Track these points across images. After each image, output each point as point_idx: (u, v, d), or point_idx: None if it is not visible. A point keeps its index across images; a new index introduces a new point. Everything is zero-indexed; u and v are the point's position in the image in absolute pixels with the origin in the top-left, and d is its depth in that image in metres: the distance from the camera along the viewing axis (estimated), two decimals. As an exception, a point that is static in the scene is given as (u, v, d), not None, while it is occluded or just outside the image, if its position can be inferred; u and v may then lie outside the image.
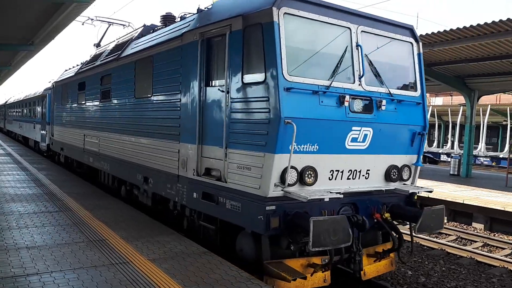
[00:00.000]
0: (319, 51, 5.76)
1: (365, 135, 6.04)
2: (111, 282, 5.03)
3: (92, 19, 16.21)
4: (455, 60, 17.08)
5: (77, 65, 16.11)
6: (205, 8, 7.32)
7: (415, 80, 6.82)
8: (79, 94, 13.58)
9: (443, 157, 38.78)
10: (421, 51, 6.87)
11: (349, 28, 6.01)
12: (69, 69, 17.60)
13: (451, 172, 23.38)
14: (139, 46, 9.22)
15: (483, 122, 35.46)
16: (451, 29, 13.64)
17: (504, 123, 37.90)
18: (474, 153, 29.54)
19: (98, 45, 16.09)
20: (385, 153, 6.39)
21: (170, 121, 7.61)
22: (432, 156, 38.98)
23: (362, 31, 6.14)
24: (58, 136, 16.84)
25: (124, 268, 5.52)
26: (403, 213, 6.49)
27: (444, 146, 41.02)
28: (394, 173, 6.53)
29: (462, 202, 13.07)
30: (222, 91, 6.15)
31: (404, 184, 6.77)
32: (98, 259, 5.84)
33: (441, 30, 13.86)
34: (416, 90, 6.77)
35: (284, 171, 5.38)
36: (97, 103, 11.82)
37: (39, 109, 22.38)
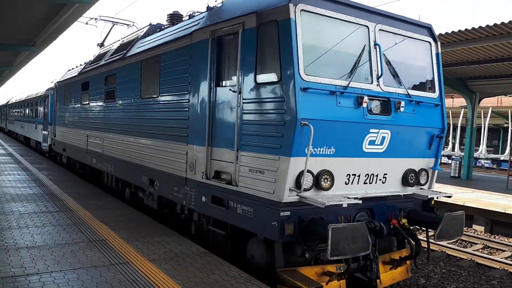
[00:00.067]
0: (336, 49, 5.52)
1: (383, 138, 5.80)
2: (111, 282, 5.02)
3: (95, 19, 16.00)
4: (457, 62, 16.95)
5: (80, 65, 15.89)
6: (214, 6, 7.09)
7: (433, 81, 6.57)
8: (83, 94, 13.35)
9: (444, 159, 38.54)
10: (440, 50, 6.63)
11: (366, 26, 5.78)
12: (72, 69, 17.38)
13: (452, 174, 23.24)
14: (145, 45, 8.99)
15: (484, 124, 35.23)
16: (452, 31, 13.46)
17: (505, 125, 37.69)
18: (475, 155, 29.42)
19: (101, 45, 15.87)
20: (403, 156, 6.15)
21: (178, 122, 7.37)
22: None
23: (380, 29, 5.90)
24: (60, 136, 16.62)
25: (124, 269, 5.52)
26: (421, 219, 6.24)
27: (445, 148, 40.78)
28: (411, 177, 6.28)
29: (462, 204, 12.94)
30: (234, 92, 5.92)
31: (421, 188, 6.52)
32: (98, 259, 5.83)
33: (443, 33, 13.69)
34: (434, 91, 6.53)
35: (300, 175, 5.14)
36: (101, 103, 11.59)
37: (41, 109, 22.17)
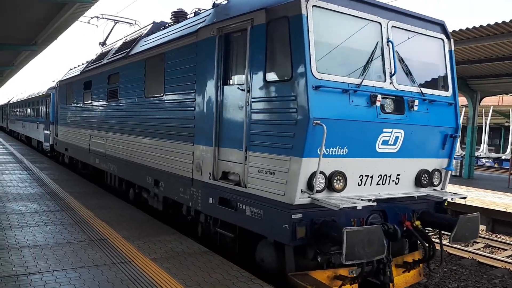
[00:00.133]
0: (348, 46, 5.35)
1: (396, 138, 5.63)
2: (113, 281, 5.02)
3: (97, 17, 15.84)
4: (458, 61, 16.81)
5: (82, 64, 15.73)
6: (221, 2, 6.92)
7: (446, 79, 6.40)
8: (85, 93, 13.19)
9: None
10: (453, 48, 6.45)
11: (379, 22, 5.60)
12: (74, 68, 17.22)
13: (453, 173, 23.04)
14: (149, 43, 8.82)
15: (485, 123, 35.03)
16: (453, 30, 13.31)
17: (507, 124, 37.47)
18: (476, 154, 29.25)
19: (103, 43, 15.71)
20: (416, 156, 5.98)
21: (184, 122, 7.20)
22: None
23: (392, 26, 5.73)
24: (62, 136, 16.46)
25: (126, 267, 5.52)
26: (435, 221, 6.07)
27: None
28: (424, 178, 6.12)
29: (464, 203, 12.75)
30: (242, 90, 5.75)
31: (434, 189, 6.35)
32: (100, 258, 5.83)
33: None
34: (447, 90, 6.36)
35: (312, 176, 4.97)
36: (103, 102, 11.42)
37: (42, 108, 22.02)
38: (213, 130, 6.27)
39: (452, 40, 6.48)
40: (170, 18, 9.40)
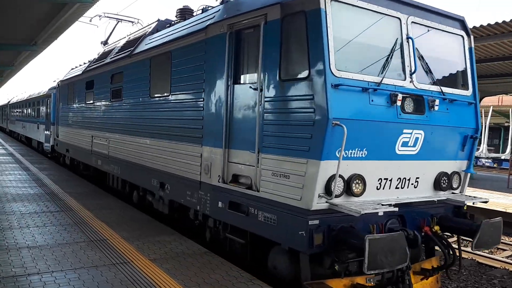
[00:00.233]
0: (367, 43, 5.10)
1: (416, 139, 5.37)
2: (112, 282, 5.02)
3: (99, 16, 15.60)
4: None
5: (84, 64, 15.48)
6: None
7: (466, 77, 6.14)
8: (87, 93, 12.93)
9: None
10: (473, 45, 6.19)
11: (398, 18, 5.34)
12: (75, 67, 16.97)
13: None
14: (155, 41, 8.55)
15: (485, 123, 34.70)
16: None
17: (506, 124, 37.20)
18: (475, 154, 28.90)
19: (105, 42, 15.47)
20: (436, 158, 5.72)
21: (191, 123, 6.93)
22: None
23: (412, 21, 5.46)
24: (64, 137, 16.19)
25: (125, 268, 5.51)
26: (455, 226, 5.81)
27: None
28: (444, 181, 5.85)
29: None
30: (254, 89, 5.49)
31: (452, 193, 6.08)
32: (99, 259, 5.82)
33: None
34: (467, 89, 6.10)
35: (330, 180, 4.70)
36: (106, 102, 11.15)
37: (43, 109, 21.75)
38: (223, 131, 6.01)
39: (472, 37, 6.22)
40: (176, 16, 9.15)
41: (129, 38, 10.90)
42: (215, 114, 6.27)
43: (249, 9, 5.66)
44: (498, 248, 10.36)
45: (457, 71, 6.12)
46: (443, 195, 5.85)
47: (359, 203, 4.84)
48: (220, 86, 6.15)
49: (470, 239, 5.59)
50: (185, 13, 8.71)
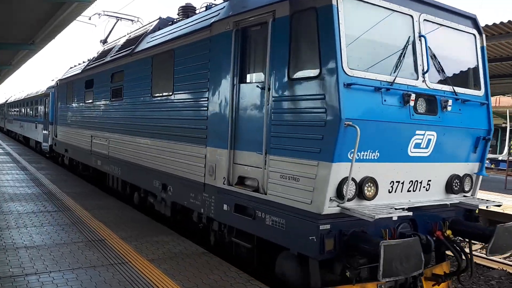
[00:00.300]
0: (379, 41, 4.92)
1: (429, 140, 5.20)
2: (110, 283, 5.01)
3: (99, 14, 15.42)
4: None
5: (83, 62, 15.27)
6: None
7: (479, 77, 5.97)
8: (86, 92, 12.72)
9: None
10: (485, 44, 6.03)
11: (411, 15, 5.17)
12: (74, 66, 16.75)
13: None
14: (157, 39, 8.36)
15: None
16: None
17: (504, 125, 37.16)
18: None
19: (105, 41, 15.30)
20: (448, 161, 5.55)
21: (195, 123, 6.75)
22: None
23: (424, 19, 5.30)
24: (62, 136, 15.98)
25: (123, 269, 5.50)
26: (468, 230, 5.64)
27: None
28: (456, 184, 5.69)
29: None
30: (262, 88, 5.31)
31: (464, 196, 5.92)
32: (97, 259, 5.81)
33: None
34: (479, 89, 5.93)
35: (341, 183, 4.53)
36: (106, 102, 10.95)
37: (41, 108, 21.53)
38: (228, 132, 5.83)
39: (484, 36, 6.06)
40: (178, 14, 8.95)
41: (130, 36, 10.70)
42: (220, 114, 6.09)
43: (256, 6, 5.48)
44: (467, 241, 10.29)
45: (469, 71, 5.96)
46: (455, 198, 5.69)
47: (372, 207, 4.67)
48: (225, 85, 5.97)
49: (483, 243, 5.41)
50: (187, 10, 8.52)
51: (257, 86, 5.41)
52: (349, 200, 4.58)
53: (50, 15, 14.92)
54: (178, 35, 7.38)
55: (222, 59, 6.03)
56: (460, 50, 5.87)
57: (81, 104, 13.38)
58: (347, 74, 4.44)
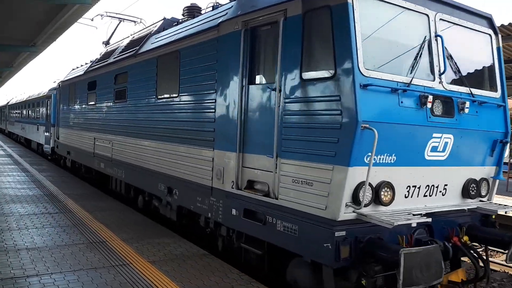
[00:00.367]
0: (395, 41, 4.76)
1: (446, 143, 5.03)
2: (111, 284, 5.00)
3: (101, 15, 15.29)
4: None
5: (86, 64, 15.12)
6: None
7: (495, 78, 5.80)
8: (89, 94, 12.56)
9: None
10: (501, 44, 5.86)
11: (426, 14, 5.01)
12: (77, 68, 16.61)
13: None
14: (162, 40, 8.20)
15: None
16: None
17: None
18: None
19: (107, 42, 15.16)
20: (464, 164, 5.38)
21: (202, 125, 6.58)
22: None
23: (440, 19, 5.13)
24: (64, 139, 15.82)
25: (124, 270, 5.49)
26: (484, 236, 5.46)
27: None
28: (472, 188, 5.51)
29: None
30: (272, 90, 5.15)
31: (480, 200, 5.74)
32: (98, 260, 5.81)
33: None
34: (496, 90, 5.76)
35: (357, 188, 4.35)
36: (110, 103, 10.78)
37: (43, 110, 21.38)
38: (237, 134, 5.67)
39: (500, 36, 5.89)
40: (183, 14, 8.80)
41: (134, 37, 10.55)
42: (228, 116, 5.92)
43: (266, 5, 5.32)
44: (497, 251, 10.14)
45: (485, 72, 5.79)
46: (471, 203, 5.51)
47: (389, 213, 4.49)
48: (233, 87, 5.81)
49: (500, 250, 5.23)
50: (193, 11, 8.36)
51: (268, 88, 5.25)
52: (365, 205, 4.40)
53: (51, 17, 14.86)
54: (184, 35, 7.22)
55: (230, 60, 5.86)
56: (476, 51, 5.71)
57: (83, 106, 13.22)
58: (364, 75, 4.27)
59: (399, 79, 4.58)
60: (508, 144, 5.72)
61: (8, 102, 42.58)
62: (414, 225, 4.33)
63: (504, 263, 8.86)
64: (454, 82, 5.21)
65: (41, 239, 6.61)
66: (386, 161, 4.55)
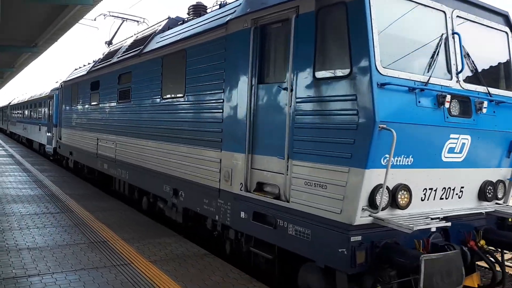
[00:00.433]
0: (412, 38, 4.60)
1: (463, 145, 4.86)
2: (113, 284, 5.01)
3: (104, 15, 15.17)
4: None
5: (88, 64, 14.99)
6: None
7: (511, 77, 5.63)
8: (92, 94, 12.42)
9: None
10: (518, 42, 5.69)
11: (443, 11, 4.85)
12: (79, 68, 16.47)
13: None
14: (167, 39, 8.05)
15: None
16: None
17: None
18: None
19: (110, 42, 15.05)
20: (481, 166, 5.22)
21: (209, 126, 6.43)
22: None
23: (457, 16, 4.97)
24: (67, 139, 15.68)
25: (126, 270, 5.50)
26: (501, 240, 5.29)
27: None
28: (489, 191, 5.35)
29: None
30: (284, 89, 4.99)
31: (497, 203, 5.58)
32: (100, 260, 5.81)
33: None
34: (513, 90, 5.59)
35: (374, 191, 4.19)
36: (113, 104, 10.63)
37: (45, 110, 21.25)
38: (246, 135, 5.51)
39: (516, 34, 5.72)
40: (188, 13, 8.65)
41: (138, 36, 10.40)
42: (236, 117, 5.77)
43: (277, 2, 5.16)
44: (498, 251, 9.93)
45: (502, 70, 5.63)
46: (488, 206, 5.35)
47: (406, 216, 4.33)
48: (242, 86, 5.65)
49: None
50: (199, 9, 8.22)
51: (279, 87, 5.09)
52: (382, 209, 4.24)
53: (53, 17, 14.80)
54: (190, 34, 7.06)
55: (239, 59, 5.71)
56: (493, 49, 5.55)
57: (86, 106, 13.08)
58: (381, 73, 4.11)
59: (416, 78, 4.42)
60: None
61: (9, 103, 42.49)
62: (433, 229, 4.17)
63: (505, 263, 8.69)
64: (470, 81, 5.04)
65: (43, 239, 6.61)
66: (404, 163, 4.39)
